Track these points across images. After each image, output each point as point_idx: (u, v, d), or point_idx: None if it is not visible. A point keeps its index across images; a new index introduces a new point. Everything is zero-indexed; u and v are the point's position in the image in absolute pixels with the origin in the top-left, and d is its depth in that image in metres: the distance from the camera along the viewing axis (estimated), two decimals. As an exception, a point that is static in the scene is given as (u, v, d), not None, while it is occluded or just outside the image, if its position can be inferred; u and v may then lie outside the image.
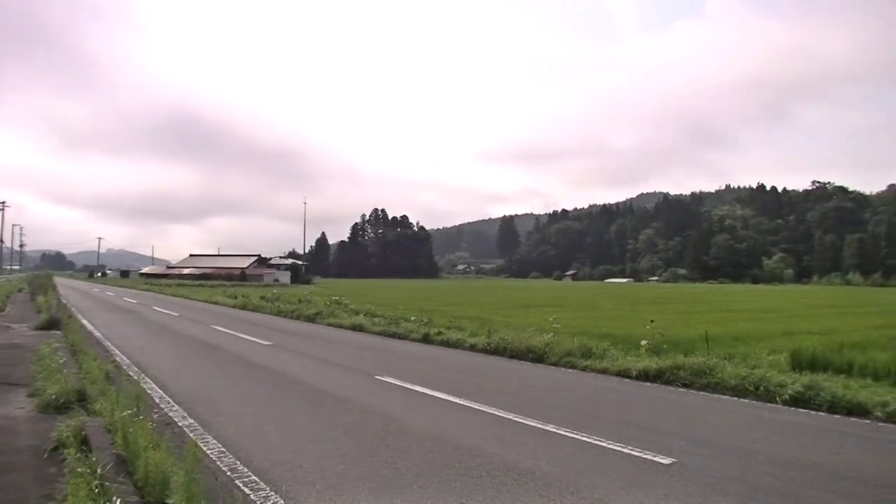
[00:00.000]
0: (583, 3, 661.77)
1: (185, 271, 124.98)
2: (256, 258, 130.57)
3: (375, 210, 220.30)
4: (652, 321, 16.29)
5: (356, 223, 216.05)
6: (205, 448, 7.07)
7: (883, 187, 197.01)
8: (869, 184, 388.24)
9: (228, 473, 6.22)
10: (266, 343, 18.14)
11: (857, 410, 9.48)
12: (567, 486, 5.93)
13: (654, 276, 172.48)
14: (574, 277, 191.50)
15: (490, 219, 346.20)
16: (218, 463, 6.56)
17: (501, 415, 8.99)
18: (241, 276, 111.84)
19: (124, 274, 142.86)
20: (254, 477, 6.11)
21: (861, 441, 7.96)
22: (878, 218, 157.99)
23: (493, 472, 6.33)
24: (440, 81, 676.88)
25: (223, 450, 7.04)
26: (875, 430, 8.59)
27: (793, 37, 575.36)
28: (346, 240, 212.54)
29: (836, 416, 9.43)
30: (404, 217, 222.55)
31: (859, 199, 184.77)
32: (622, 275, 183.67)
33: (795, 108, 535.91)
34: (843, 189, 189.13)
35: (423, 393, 10.75)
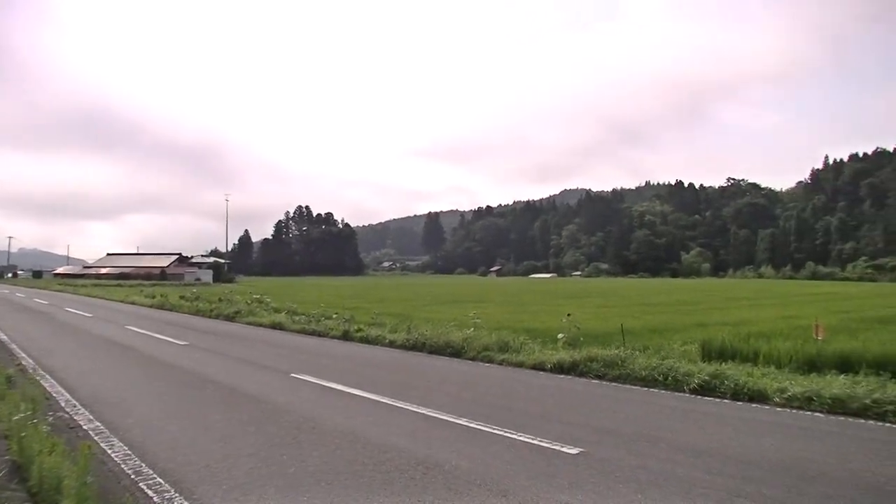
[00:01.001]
0: (506, 3, 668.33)
1: (103, 271, 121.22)
2: (177, 257, 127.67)
3: (300, 207, 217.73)
4: (569, 315, 16.56)
5: (280, 220, 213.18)
6: (109, 451, 6.89)
7: (792, 184, 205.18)
8: (780, 181, 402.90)
9: (132, 476, 6.07)
10: (181, 343, 17.75)
11: (758, 397, 9.86)
12: (475, 478, 5.99)
13: (578, 270, 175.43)
14: (499, 273, 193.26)
15: (416, 216, 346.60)
16: (122, 466, 6.39)
17: (415, 410, 9.02)
18: (162, 276, 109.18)
19: (37, 274, 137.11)
20: (159, 479, 5.98)
21: (759, 426, 8.27)
22: (787, 214, 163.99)
23: (403, 467, 6.35)
24: (365, 78, 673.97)
25: (129, 452, 6.86)
26: (773, 415, 8.94)
27: (710, 39, 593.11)
28: (270, 237, 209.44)
29: (739, 402, 9.80)
30: (329, 214, 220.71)
31: (771, 195, 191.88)
32: (546, 270, 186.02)
33: (712, 108, 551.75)
34: (755, 186, 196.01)
35: (338, 390, 10.70)
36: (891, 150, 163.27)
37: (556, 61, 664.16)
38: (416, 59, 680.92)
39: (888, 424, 8.35)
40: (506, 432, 7.68)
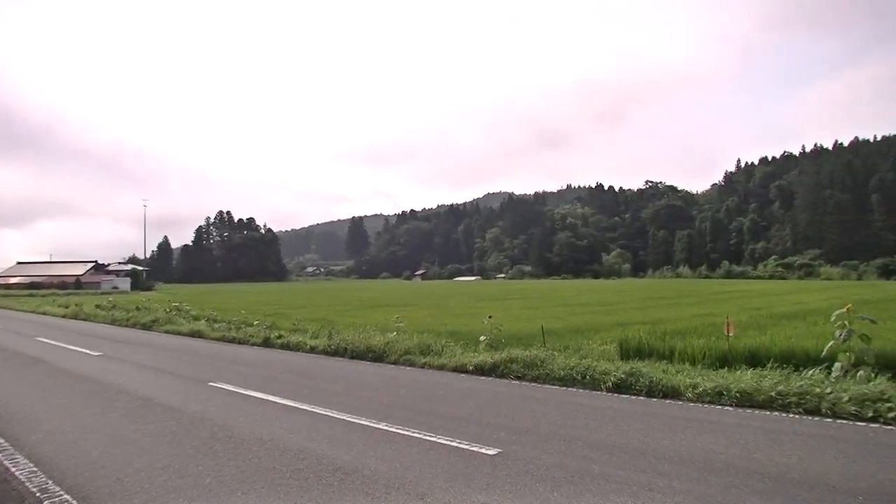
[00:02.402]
0: (427, 7, 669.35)
1: (13, 280, 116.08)
2: (93, 264, 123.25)
3: (221, 212, 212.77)
4: (490, 317, 16.71)
5: (201, 226, 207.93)
6: (14, 469, 6.64)
7: (707, 187, 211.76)
8: (696, 183, 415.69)
9: (38, 494, 5.87)
10: (95, 353, 17.22)
11: (671, 393, 10.17)
12: (393, 482, 6.01)
13: (501, 273, 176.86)
14: (424, 277, 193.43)
15: (339, 220, 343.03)
16: (27, 484, 6.16)
17: (335, 415, 8.99)
18: (77, 284, 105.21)
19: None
20: (66, 496, 5.80)
21: (671, 421, 8.51)
22: (703, 215, 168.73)
23: (321, 473, 6.32)
24: (287, 82, 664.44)
25: (34, 469, 6.63)
26: (685, 411, 9.22)
27: (630, 44, 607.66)
28: (191, 244, 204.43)
29: (654, 399, 10.09)
30: (251, 219, 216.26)
31: (687, 197, 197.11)
32: (470, 273, 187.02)
33: (631, 112, 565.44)
34: (673, 188, 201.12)
35: (257, 398, 10.57)
36: (797, 153, 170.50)
37: (478, 65, 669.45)
38: (337, 62, 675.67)
39: (791, 415, 8.72)
40: (425, 435, 7.71)
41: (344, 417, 8.85)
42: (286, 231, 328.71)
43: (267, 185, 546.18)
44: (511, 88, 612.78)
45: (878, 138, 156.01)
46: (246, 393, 10.98)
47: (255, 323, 22.77)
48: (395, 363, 14.63)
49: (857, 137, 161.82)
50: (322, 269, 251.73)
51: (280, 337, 19.13)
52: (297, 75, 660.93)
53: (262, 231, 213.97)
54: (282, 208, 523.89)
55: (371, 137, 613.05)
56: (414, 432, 7.87)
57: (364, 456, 6.90)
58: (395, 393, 11.09)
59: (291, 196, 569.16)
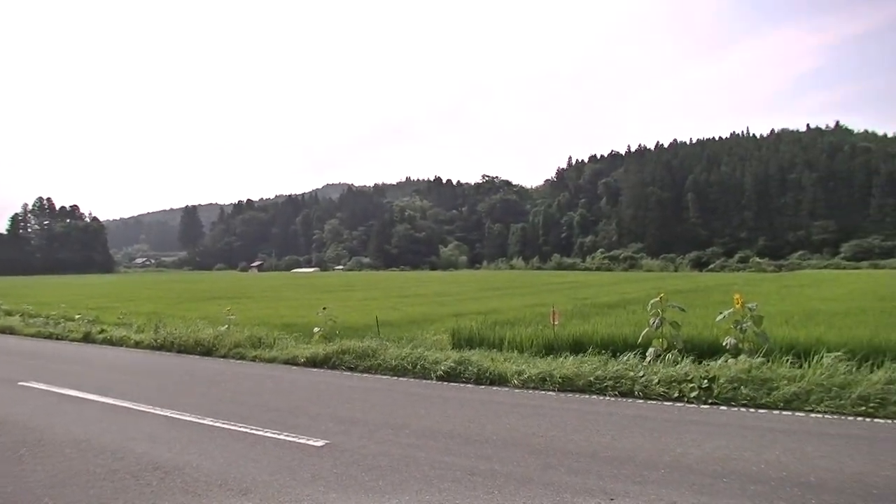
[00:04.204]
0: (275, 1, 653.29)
1: None
2: None
3: (41, 199, 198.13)
4: (325, 308, 16.58)
5: (17, 214, 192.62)
6: None
7: (541, 182, 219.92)
8: (530, 178, 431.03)
9: None
10: None
11: (499, 380, 10.51)
12: (216, 478, 5.86)
13: (340, 265, 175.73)
14: (261, 268, 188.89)
15: (172, 209, 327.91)
16: None
17: (157, 412, 8.65)
18: None
19: None
20: None
21: (497, 407, 8.80)
22: (536, 209, 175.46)
23: (140, 473, 6.06)
24: (115, 59, 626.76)
25: None
26: (511, 397, 9.57)
27: (473, 43, 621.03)
28: (5, 233, 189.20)
29: (482, 386, 10.40)
30: (75, 207, 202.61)
31: (522, 192, 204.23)
32: (309, 265, 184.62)
33: (472, 108, 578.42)
34: (508, 183, 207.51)
35: (74, 396, 10.00)
36: (623, 152, 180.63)
37: (321, 57, 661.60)
38: (173, 45, 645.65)
39: (607, 398, 9.25)
40: (252, 429, 7.58)
41: (167, 414, 8.53)
42: (114, 220, 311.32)
43: (93, 171, 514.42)
44: (354, 80, 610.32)
45: (693, 141, 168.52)
46: (62, 392, 10.34)
47: (77, 317, 21.48)
48: (224, 357, 14.27)
49: (675, 139, 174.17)
50: (153, 261, 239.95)
51: (103, 332, 18.18)
52: (129, 55, 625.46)
53: (88, 219, 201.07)
54: (109, 195, 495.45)
55: (208, 123, 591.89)
56: (240, 427, 7.70)
57: (186, 453, 6.68)
58: (224, 387, 10.83)
59: (120, 183, 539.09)
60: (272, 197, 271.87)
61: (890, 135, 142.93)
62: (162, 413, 8.61)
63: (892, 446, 6.49)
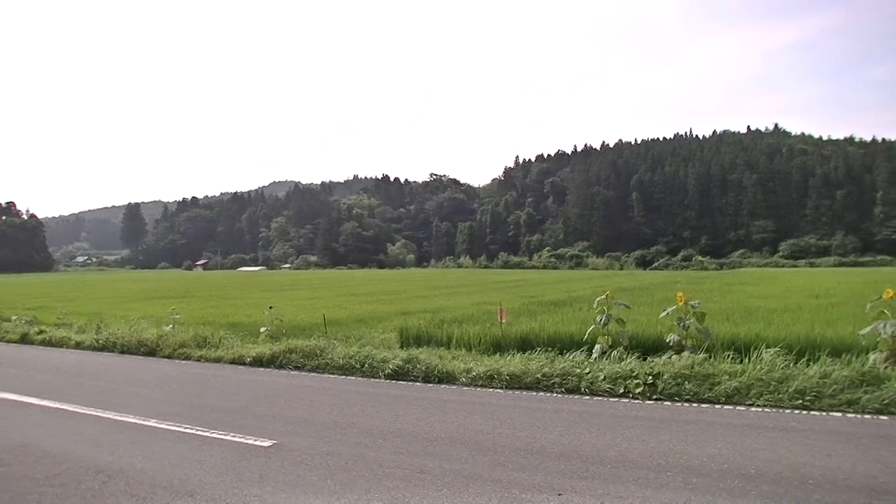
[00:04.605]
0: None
1: None
2: None
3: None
4: (271, 307, 16.43)
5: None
6: None
7: (488, 181, 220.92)
8: (477, 177, 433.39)
9: None
10: None
11: (447, 378, 10.55)
12: (160, 481, 5.77)
13: (287, 263, 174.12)
14: (206, 267, 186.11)
15: (114, 206, 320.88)
16: None
17: (100, 414, 8.48)
18: None
19: None
20: None
21: (445, 405, 8.83)
22: (483, 208, 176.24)
23: (81, 477, 5.93)
24: (57, 54, 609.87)
25: None
26: (459, 394, 9.61)
27: (424, 42, 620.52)
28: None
29: (430, 384, 10.42)
30: (11, 203, 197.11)
31: (469, 191, 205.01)
32: (255, 263, 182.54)
33: (420, 106, 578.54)
34: (455, 181, 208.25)
35: (10, 400, 9.74)
36: (569, 152, 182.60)
37: (267, 54, 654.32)
38: (114, 38, 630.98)
39: (554, 394, 9.35)
40: (197, 430, 7.47)
41: (110, 416, 8.37)
42: (54, 217, 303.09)
43: (30, 166, 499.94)
44: (299, 75, 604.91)
45: (638, 141, 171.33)
46: (-4, 395, 10.04)
47: (13, 318, 20.89)
48: (169, 357, 14.05)
49: (620, 139, 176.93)
50: (94, 259, 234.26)
51: (41, 332, 17.73)
52: (68, 49, 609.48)
53: (25, 217, 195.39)
54: (48, 192, 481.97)
55: (149, 118, 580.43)
56: (185, 428, 7.59)
57: (130, 455, 6.56)
58: (168, 388, 10.66)
59: (60, 178, 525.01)
60: (217, 194, 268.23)
61: (825, 138, 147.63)
62: (104, 415, 8.43)
63: (826, 438, 6.68)
